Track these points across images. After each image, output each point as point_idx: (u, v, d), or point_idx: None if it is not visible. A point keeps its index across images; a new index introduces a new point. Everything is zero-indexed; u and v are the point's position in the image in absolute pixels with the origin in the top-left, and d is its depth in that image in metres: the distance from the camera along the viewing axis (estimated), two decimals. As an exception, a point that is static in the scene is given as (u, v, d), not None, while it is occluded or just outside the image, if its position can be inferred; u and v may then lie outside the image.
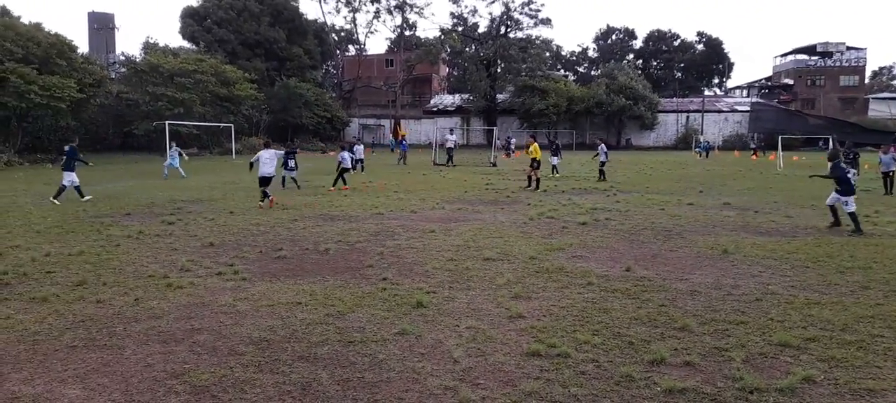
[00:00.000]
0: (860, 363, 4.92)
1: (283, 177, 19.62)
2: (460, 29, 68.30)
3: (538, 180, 19.72)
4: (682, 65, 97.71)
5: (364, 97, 75.90)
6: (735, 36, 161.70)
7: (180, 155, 24.45)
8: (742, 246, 9.79)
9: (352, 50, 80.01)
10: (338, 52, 79.53)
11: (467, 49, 71.55)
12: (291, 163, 19.65)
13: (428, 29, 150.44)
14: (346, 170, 19.85)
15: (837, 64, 77.79)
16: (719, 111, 70.23)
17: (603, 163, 23.73)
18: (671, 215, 13.61)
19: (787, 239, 10.59)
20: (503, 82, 67.99)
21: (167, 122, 36.93)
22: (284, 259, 8.91)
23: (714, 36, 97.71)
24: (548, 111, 63.07)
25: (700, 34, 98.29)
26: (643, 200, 16.64)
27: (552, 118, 63.83)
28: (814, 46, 79.14)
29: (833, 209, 11.76)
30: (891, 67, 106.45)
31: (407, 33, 68.65)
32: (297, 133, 55.68)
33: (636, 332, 5.65)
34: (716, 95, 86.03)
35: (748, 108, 69.69)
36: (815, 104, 74.66)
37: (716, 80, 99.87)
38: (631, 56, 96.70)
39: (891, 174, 18.16)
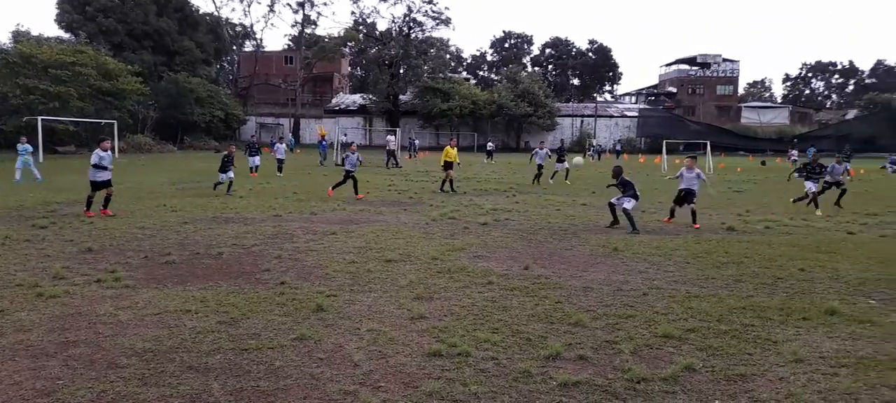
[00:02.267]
0: (734, 351, 5.32)
1: (217, 183, 17.96)
2: (362, 29, 67.64)
3: (451, 181, 19.71)
4: (576, 71, 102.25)
5: (262, 95, 73.44)
6: (624, 45, 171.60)
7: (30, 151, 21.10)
8: (631, 244, 10.35)
9: (249, 46, 77.12)
10: (234, 47, 76.36)
11: (369, 49, 71.03)
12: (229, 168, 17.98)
13: (329, 27, 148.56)
14: (281, 160, 18.60)
15: (715, 74, 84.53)
16: (611, 116, 74.01)
17: (540, 168, 23.54)
18: (567, 215, 14.16)
19: (671, 236, 11.31)
20: (405, 83, 68.06)
21: (40, 118, 33.92)
22: (173, 264, 8.40)
23: (605, 44, 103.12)
24: (450, 112, 63.85)
25: (592, 42, 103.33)
26: (541, 201, 17.21)
27: (454, 120, 64.67)
28: (694, 58, 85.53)
29: (612, 208, 12.55)
30: (764, 80, 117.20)
31: (307, 31, 67.08)
32: (188, 131, 52.86)
33: (534, 329, 5.81)
34: (607, 101, 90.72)
35: (637, 114, 73.96)
36: (695, 111, 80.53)
37: (607, 87, 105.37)
38: (528, 62, 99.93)
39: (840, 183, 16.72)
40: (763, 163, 44.56)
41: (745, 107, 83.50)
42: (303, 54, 67.11)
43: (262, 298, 6.70)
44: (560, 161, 24.73)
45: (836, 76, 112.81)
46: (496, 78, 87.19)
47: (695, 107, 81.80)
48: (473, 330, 5.76)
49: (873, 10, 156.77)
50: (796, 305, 6.71)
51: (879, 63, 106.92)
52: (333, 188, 17.69)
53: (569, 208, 15.59)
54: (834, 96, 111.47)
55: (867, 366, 4.99)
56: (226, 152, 18.51)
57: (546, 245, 10.37)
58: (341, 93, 79.34)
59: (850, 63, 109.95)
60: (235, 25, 73.04)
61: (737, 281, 7.83)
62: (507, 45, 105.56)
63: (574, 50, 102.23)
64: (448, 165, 19.91)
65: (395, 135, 36.98)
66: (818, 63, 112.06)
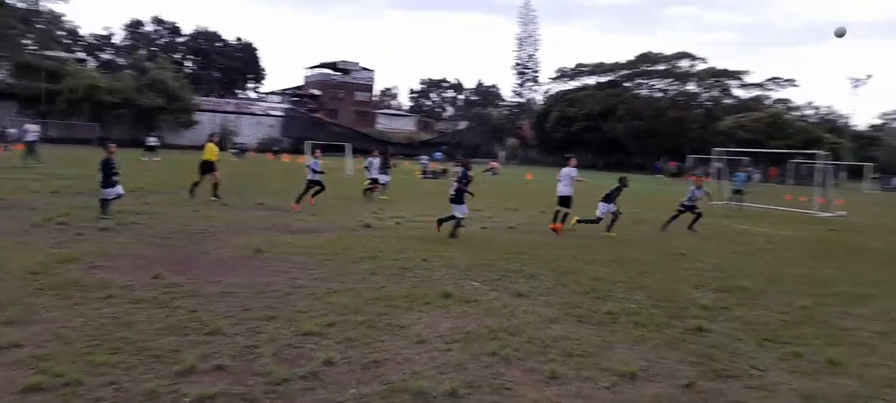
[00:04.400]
0: (369, 340, 5.67)
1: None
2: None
3: (216, 185, 16.46)
4: (220, 66, 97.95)
5: None
6: (271, 42, 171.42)
7: None
8: (274, 245, 10.25)
9: None
10: None
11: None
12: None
13: None
14: None
15: (354, 81, 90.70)
16: (254, 114, 72.97)
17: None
18: (205, 216, 13.30)
19: (314, 235, 11.59)
20: (-1, 59, 55.49)
21: None
22: None
23: (252, 43, 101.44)
24: (59, 97, 54.42)
25: (238, 39, 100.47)
26: (175, 201, 15.80)
27: (65, 106, 55.24)
28: (336, 63, 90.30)
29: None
30: (391, 89, 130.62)
31: None
32: None
33: (164, 343, 5.24)
34: (251, 99, 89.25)
35: (282, 114, 74.49)
36: (337, 114, 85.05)
37: (251, 85, 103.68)
38: (172, 53, 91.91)
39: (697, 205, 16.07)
40: (394, 165, 49.72)
41: (380, 113, 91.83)
42: None
43: None
44: (384, 170, 20.81)
45: (449, 91, 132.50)
46: (125, 63, 77.59)
47: (337, 110, 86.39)
48: (87, 353, 4.90)
49: (479, 36, 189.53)
50: (420, 292, 7.52)
51: (480, 83, 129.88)
52: (309, 198, 16.10)
53: (208, 209, 14.71)
54: (449, 108, 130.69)
55: (473, 339, 5.86)
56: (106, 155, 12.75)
57: (181, 249, 9.54)
58: None
59: (457, 80, 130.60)
60: None
61: (372, 274, 8.41)
62: (144, 30, 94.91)
63: (220, 43, 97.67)
64: (209, 166, 16.53)
65: (36, 123, 29.80)
66: (431, 80, 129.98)
